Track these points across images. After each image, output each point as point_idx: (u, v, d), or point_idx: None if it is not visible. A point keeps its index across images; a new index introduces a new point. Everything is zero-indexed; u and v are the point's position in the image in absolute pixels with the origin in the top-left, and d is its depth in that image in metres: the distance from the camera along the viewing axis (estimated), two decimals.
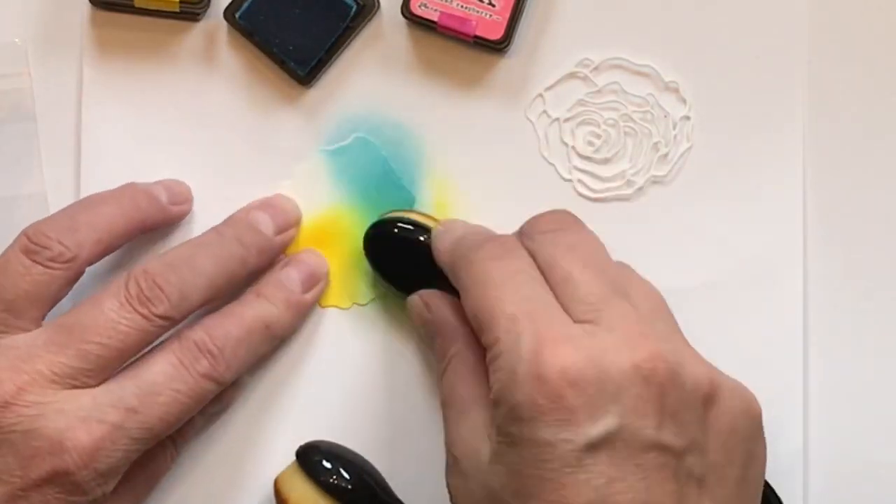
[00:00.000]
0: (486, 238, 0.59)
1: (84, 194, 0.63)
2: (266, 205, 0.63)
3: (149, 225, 0.62)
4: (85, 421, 0.56)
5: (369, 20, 0.64)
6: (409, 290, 0.62)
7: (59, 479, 0.56)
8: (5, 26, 0.65)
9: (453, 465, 0.56)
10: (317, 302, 0.63)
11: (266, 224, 0.62)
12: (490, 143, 0.64)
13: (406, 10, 0.64)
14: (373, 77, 0.65)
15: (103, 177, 0.64)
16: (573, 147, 0.65)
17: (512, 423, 0.53)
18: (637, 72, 0.65)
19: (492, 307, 0.55)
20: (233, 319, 0.60)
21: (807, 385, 0.63)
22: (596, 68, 0.65)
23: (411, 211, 0.63)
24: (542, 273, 0.56)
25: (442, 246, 0.60)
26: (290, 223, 0.63)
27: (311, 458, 0.61)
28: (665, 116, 0.65)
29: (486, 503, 0.54)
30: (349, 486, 0.60)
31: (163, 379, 0.58)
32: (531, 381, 0.52)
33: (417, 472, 0.63)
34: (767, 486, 0.60)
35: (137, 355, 0.58)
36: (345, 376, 0.64)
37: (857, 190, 0.64)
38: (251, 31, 0.64)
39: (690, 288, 0.64)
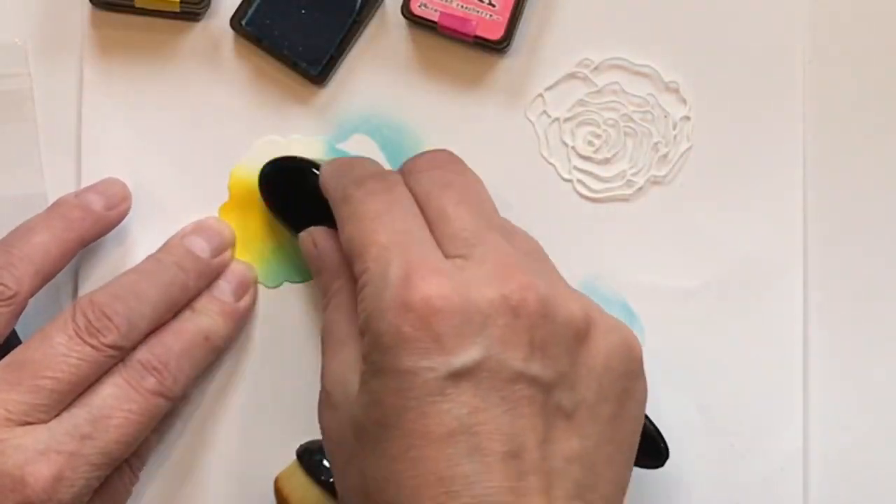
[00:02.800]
0: (370, 174, 0.59)
1: None
2: (200, 228, 0.63)
3: (87, 240, 0.62)
4: (44, 454, 0.56)
5: (375, 11, 0.64)
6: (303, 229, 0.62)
7: None
8: (5, 26, 0.65)
9: (325, 399, 0.56)
10: (251, 308, 0.64)
11: (202, 248, 0.62)
12: (490, 143, 0.64)
13: (406, 10, 0.64)
14: (373, 77, 0.65)
15: (103, 177, 0.64)
16: (573, 147, 0.65)
17: (376, 351, 0.53)
18: (637, 72, 0.65)
19: (365, 238, 0.56)
20: (172, 335, 0.60)
21: (807, 385, 0.63)
22: (596, 68, 0.65)
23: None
24: (420, 209, 0.57)
25: (327, 180, 0.60)
26: (225, 245, 0.63)
27: (311, 457, 0.61)
28: (665, 116, 0.65)
29: (352, 434, 0.54)
30: None
31: (113, 402, 0.58)
32: (396, 308, 0.53)
33: None
34: (648, 420, 0.60)
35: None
36: None
37: (857, 190, 0.64)
38: (259, 36, 0.64)
39: (690, 288, 0.64)
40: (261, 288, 0.64)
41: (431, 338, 0.52)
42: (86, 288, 0.63)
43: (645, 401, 0.56)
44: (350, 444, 0.54)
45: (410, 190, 0.58)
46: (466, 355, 0.52)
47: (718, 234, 0.64)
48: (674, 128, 0.65)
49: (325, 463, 0.60)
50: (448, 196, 0.57)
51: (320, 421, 0.57)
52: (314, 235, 0.61)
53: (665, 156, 0.64)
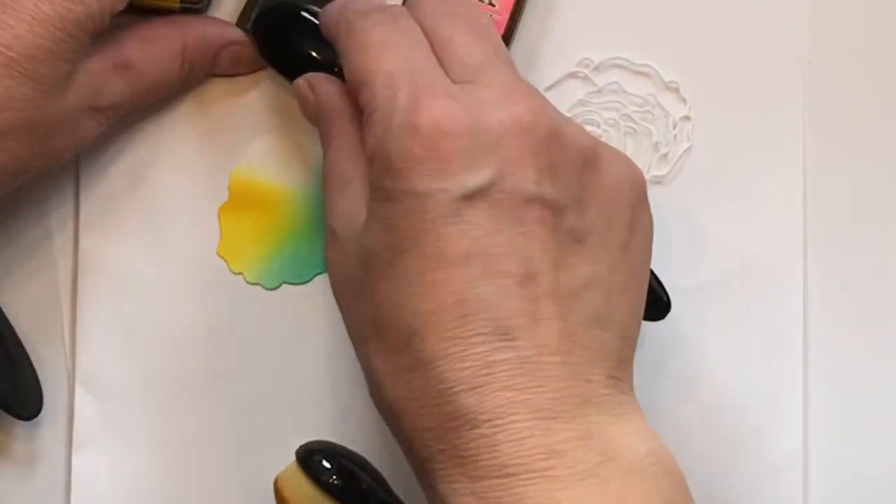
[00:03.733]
0: (375, 6, 0.58)
1: (84, 194, 0.64)
2: None
3: None
4: None
5: None
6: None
7: None
8: None
9: (330, 238, 0.56)
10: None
11: None
12: None
13: None
14: None
15: (103, 176, 0.64)
16: None
17: (386, 176, 0.52)
18: (637, 72, 0.65)
19: (371, 66, 0.54)
20: None
21: (807, 385, 0.63)
22: (596, 68, 0.65)
23: None
24: (427, 39, 0.56)
25: (328, 17, 0.59)
26: None
27: (311, 458, 0.61)
28: (665, 116, 0.65)
29: (361, 266, 0.53)
30: (349, 487, 0.60)
31: None
32: (406, 131, 0.52)
33: None
34: (652, 273, 0.59)
35: None
36: (345, 376, 0.64)
37: (858, 190, 0.65)
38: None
39: (691, 288, 0.64)
40: (260, 289, 0.64)
41: (443, 159, 0.51)
42: (85, 288, 0.63)
43: (652, 234, 0.56)
44: (359, 276, 0.53)
45: (417, 22, 0.56)
46: (479, 176, 0.51)
47: (718, 234, 0.64)
48: (674, 128, 0.65)
49: (325, 463, 0.60)
50: (456, 25, 0.56)
51: (327, 262, 0.56)
52: (311, 81, 0.60)
53: (665, 156, 0.64)
